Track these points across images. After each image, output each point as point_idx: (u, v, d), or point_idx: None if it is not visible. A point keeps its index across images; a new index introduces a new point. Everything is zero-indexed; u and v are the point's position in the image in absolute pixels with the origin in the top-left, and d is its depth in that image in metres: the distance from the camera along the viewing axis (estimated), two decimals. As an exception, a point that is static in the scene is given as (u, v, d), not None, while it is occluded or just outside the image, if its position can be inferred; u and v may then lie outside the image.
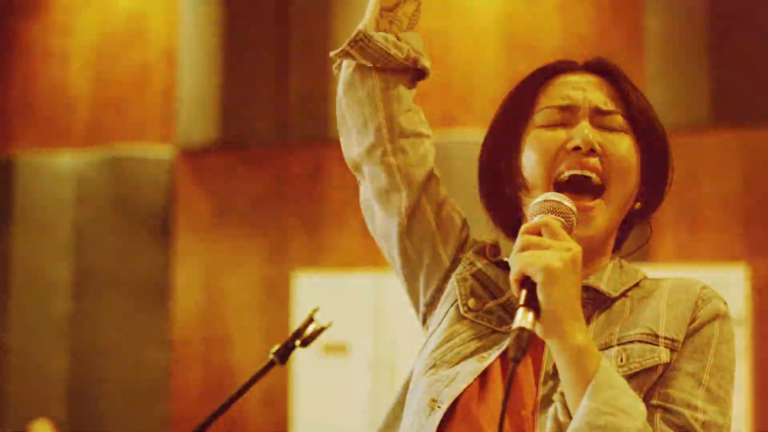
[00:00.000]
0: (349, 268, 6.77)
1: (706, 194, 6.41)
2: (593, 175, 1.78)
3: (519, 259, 1.58)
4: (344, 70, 1.96)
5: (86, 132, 7.65)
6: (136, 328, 7.34)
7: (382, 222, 1.96)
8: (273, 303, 7.11)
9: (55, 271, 7.47)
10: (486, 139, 1.92)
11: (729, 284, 6.00)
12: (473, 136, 6.29)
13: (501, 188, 1.89)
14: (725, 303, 1.79)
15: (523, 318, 1.54)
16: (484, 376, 1.75)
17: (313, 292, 6.78)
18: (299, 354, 6.14)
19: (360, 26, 1.89)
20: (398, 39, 1.92)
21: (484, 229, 1.97)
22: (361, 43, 1.89)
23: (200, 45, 7.38)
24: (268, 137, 7.17)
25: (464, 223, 1.96)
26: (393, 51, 1.90)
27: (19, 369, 7.45)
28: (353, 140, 1.96)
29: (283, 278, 7.05)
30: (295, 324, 2.30)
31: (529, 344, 1.51)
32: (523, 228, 1.64)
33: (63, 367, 7.38)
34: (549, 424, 1.65)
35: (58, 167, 7.55)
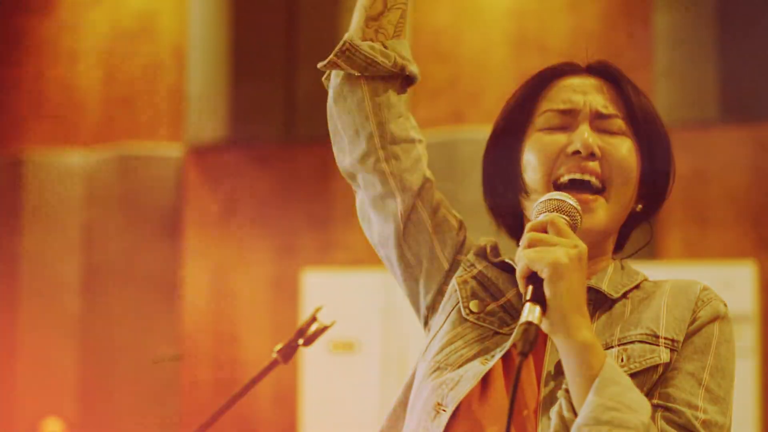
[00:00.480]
0: (358, 266, 6.78)
1: (715, 191, 6.41)
2: (593, 179, 1.80)
3: (526, 255, 1.60)
4: (333, 80, 1.97)
5: (95, 130, 7.67)
6: (146, 325, 7.36)
7: (379, 228, 1.98)
8: (282, 300, 7.12)
9: (64, 269, 7.49)
10: (489, 141, 1.95)
11: (737, 281, 6.00)
12: (482, 133, 6.30)
13: (503, 190, 1.91)
14: (725, 304, 1.80)
15: (530, 313, 1.56)
16: (486, 377, 1.76)
17: (321, 289, 6.79)
18: (309, 351, 6.15)
19: (346, 36, 1.91)
20: (384, 47, 1.93)
21: (490, 228, 1.99)
22: (348, 53, 1.90)
23: (209, 43, 7.39)
24: (276, 135, 7.19)
25: (461, 225, 1.98)
26: (380, 59, 1.91)
27: (29, 366, 7.48)
28: (346, 149, 1.98)
29: (292, 276, 7.06)
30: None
31: (536, 338, 1.53)
32: (529, 225, 1.65)
33: (73, 365, 7.40)
34: (554, 420, 1.66)
35: (67, 165, 7.57)
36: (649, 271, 1.89)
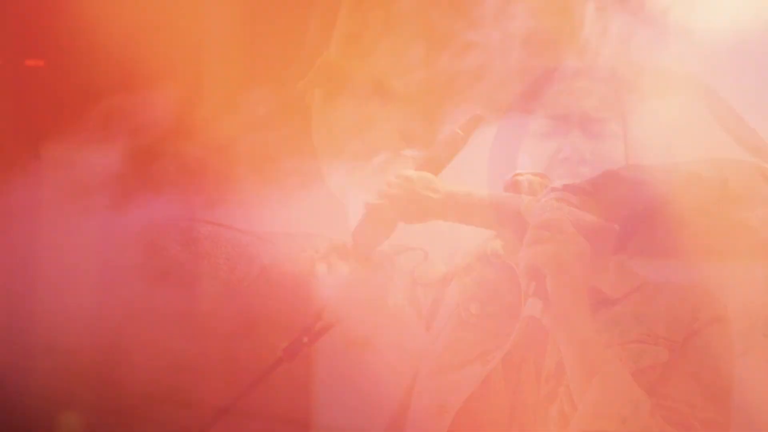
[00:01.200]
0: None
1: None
2: (584, 184, 1.80)
3: (530, 252, 1.61)
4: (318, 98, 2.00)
5: (111, 128, 7.69)
6: (161, 319, 7.38)
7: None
8: (298, 297, 7.13)
9: (81, 264, 7.52)
10: (492, 144, 1.96)
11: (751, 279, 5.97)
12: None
13: (504, 191, 1.92)
14: (724, 307, 1.81)
15: (533, 308, 1.57)
16: (486, 377, 1.77)
17: (336, 285, 6.79)
18: (322, 348, 6.16)
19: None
20: None
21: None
22: None
23: (226, 40, 7.41)
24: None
25: (456, 230, 1.98)
26: None
27: (46, 363, 7.51)
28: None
29: (307, 273, 7.06)
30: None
31: (538, 333, 1.54)
32: (533, 223, 1.67)
33: (89, 360, 7.44)
34: (554, 415, 1.67)
35: (84, 161, 7.59)
36: (660, 269, 1.90)
